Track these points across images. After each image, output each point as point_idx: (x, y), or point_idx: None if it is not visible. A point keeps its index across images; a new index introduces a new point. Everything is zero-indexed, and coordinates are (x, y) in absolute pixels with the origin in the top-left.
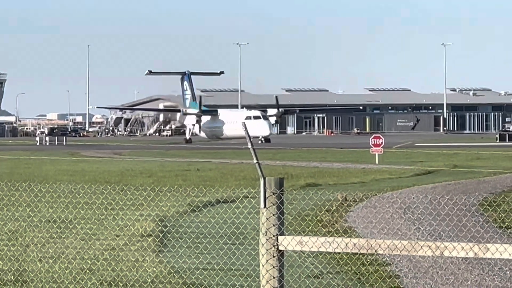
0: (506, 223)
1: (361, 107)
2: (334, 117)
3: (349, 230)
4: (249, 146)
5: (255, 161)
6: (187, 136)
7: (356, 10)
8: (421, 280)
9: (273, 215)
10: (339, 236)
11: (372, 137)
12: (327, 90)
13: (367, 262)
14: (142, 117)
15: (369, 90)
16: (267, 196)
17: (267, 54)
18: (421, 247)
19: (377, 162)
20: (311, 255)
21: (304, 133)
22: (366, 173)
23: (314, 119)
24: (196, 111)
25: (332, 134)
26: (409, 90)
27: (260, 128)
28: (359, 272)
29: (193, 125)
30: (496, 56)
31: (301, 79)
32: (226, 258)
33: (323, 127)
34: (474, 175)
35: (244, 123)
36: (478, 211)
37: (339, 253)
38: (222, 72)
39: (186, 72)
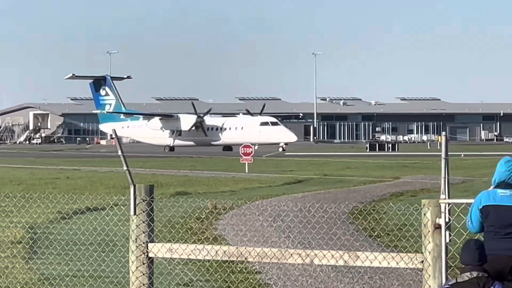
0: (376, 232)
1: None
2: None
3: (219, 238)
4: (120, 153)
5: (125, 168)
6: (170, 143)
7: (225, 18)
8: None
9: (143, 222)
10: (209, 244)
11: (242, 146)
12: (197, 99)
13: (237, 270)
14: (12, 125)
15: (240, 99)
16: (137, 203)
17: (137, 63)
18: (291, 255)
19: (247, 171)
20: (181, 262)
21: None
22: (236, 182)
23: None
24: (194, 116)
25: None
26: (280, 99)
27: (284, 135)
28: (228, 280)
29: (178, 131)
30: (366, 66)
31: (171, 88)
32: (96, 265)
33: None
34: (344, 184)
35: (114, 130)
36: (348, 219)
37: (209, 260)
38: (129, 77)
39: (106, 76)
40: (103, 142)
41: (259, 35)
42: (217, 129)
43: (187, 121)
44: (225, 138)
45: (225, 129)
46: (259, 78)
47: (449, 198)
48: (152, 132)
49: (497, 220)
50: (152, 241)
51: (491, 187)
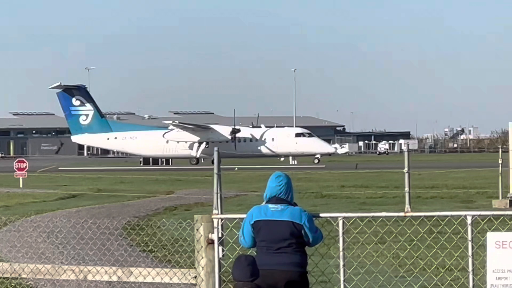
0: (150, 247)
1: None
2: None
3: None
4: None
5: None
6: (197, 155)
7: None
8: None
9: None
10: None
11: (16, 161)
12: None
13: (11, 286)
14: None
15: (13, 114)
16: None
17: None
18: (65, 271)
19: (21, 186)
20: None
21: None
22: (10, 197)
23: None
24: (229, 127)
25: None
26: (53, 114)
27: (321, 146)
28: None
29: (206, 143)
30: (140, 80)
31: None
32: None
33: None
34: (118, 198)
35: None
36: (121, 234)
37: None
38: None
39: (81, 86)
40: None
41: (48, 52)
42: (250, 140)
43: (225, 131)
44: (262, 149)
45: (263, 140)
46: (34, 94)
47: (222, 213)
48: (162, 144)
49: (268, 235)
50: None
51: (264, 202)
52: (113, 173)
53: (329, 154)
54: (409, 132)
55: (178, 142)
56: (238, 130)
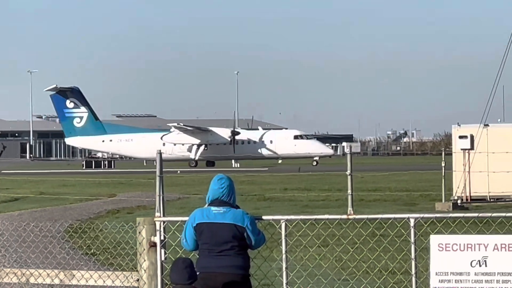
0: (92, 250)
1: None
2: None
3: None
4: None
5: None
6: (196, 157)
7: None
8: None
9: None
10: None
11: None
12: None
13: None
14: None
15: None
16: None
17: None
18: (7, 274)
19: None
20: None
21: None
22: None
23: None
24: (228, 129)
25: None
26: None
27: (320, 148)
28: None
29: (203, 146)
30: (81, 83)
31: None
32: None
33: None
34: (60, 202)
35: None
36: (63, 238)
37: None
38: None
39: (74, 87)
40: None
41: None
42: (249, 142)
43: (224, 133)
44: (262, 151)
45: (262, 142)
46: None
47: (164, 215)
48: (158, 146)
49: (211, 238)
50: None
51: (206, 205)
52: (56, 176)
53: (329, 156)
54: (352, 135)
55: (175, 144)
56: (238, 133)
